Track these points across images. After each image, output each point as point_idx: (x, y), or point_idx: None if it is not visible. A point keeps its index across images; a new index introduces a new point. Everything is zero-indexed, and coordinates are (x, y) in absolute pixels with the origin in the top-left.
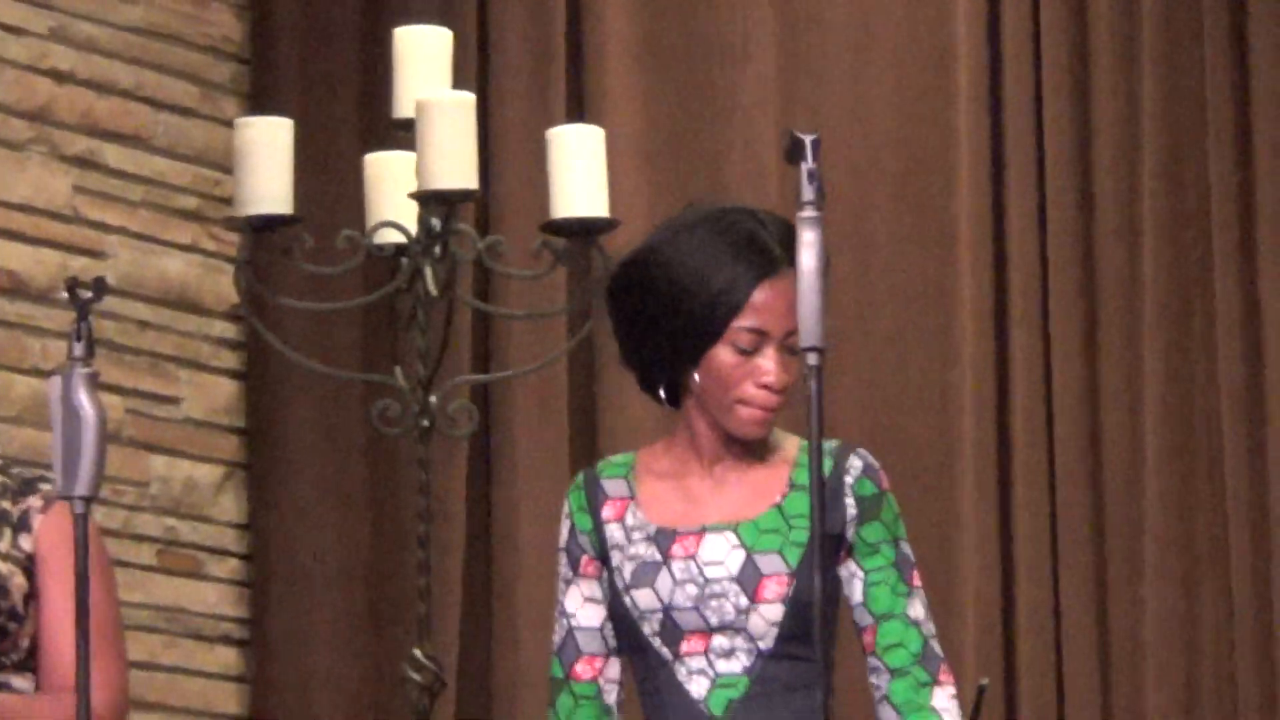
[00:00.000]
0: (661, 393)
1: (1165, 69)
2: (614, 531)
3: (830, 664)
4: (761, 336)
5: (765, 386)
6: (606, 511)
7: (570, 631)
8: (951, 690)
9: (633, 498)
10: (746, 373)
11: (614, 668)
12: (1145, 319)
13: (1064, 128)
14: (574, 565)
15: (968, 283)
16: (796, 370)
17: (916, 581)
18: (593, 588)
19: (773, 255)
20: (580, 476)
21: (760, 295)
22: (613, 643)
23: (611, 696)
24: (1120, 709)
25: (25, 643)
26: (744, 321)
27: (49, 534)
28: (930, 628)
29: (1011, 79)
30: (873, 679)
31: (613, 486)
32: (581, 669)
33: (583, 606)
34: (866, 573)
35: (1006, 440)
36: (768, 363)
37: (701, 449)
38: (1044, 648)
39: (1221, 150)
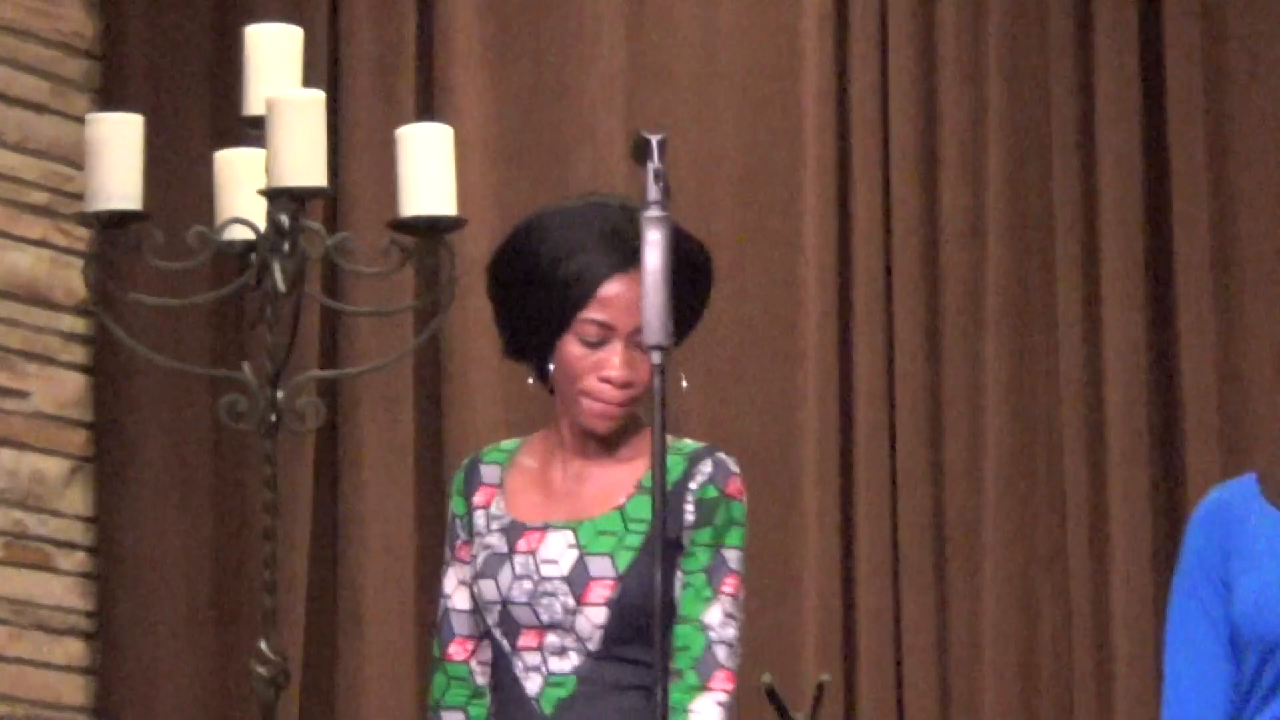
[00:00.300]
0: (531, 381)
1: (1010, 75)
2: (479, 518)
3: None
4: (608, 330)
5: (607, 380)
6: (478, 498)
7: (446, 613)
8: (721, 698)
9: (500, 487)
10: (592, 365)
11: (487, 650)
12: (988, 321)
13: (909, 131)
14: (451, 547)
15: (812, 283)
16: (646, 369)
17: (727, 589)
18: (464, 571)
19: (628, 250)
20: (466, 459)
21: (609, 289)
22: (479, 626)
23: (483, 678)
24: (958, 706)
25: None
26: (590, 314)
27: None
28: (726, 634)
29: (857, 82)
30: None
31: (489, 473)
32: (454, 650)
33: (457, 589)
34: (685, 575)
35: (849, 440)
36: (612, 357)
37: (564, 442)
38: (883, 645)
39: (1065, 156)
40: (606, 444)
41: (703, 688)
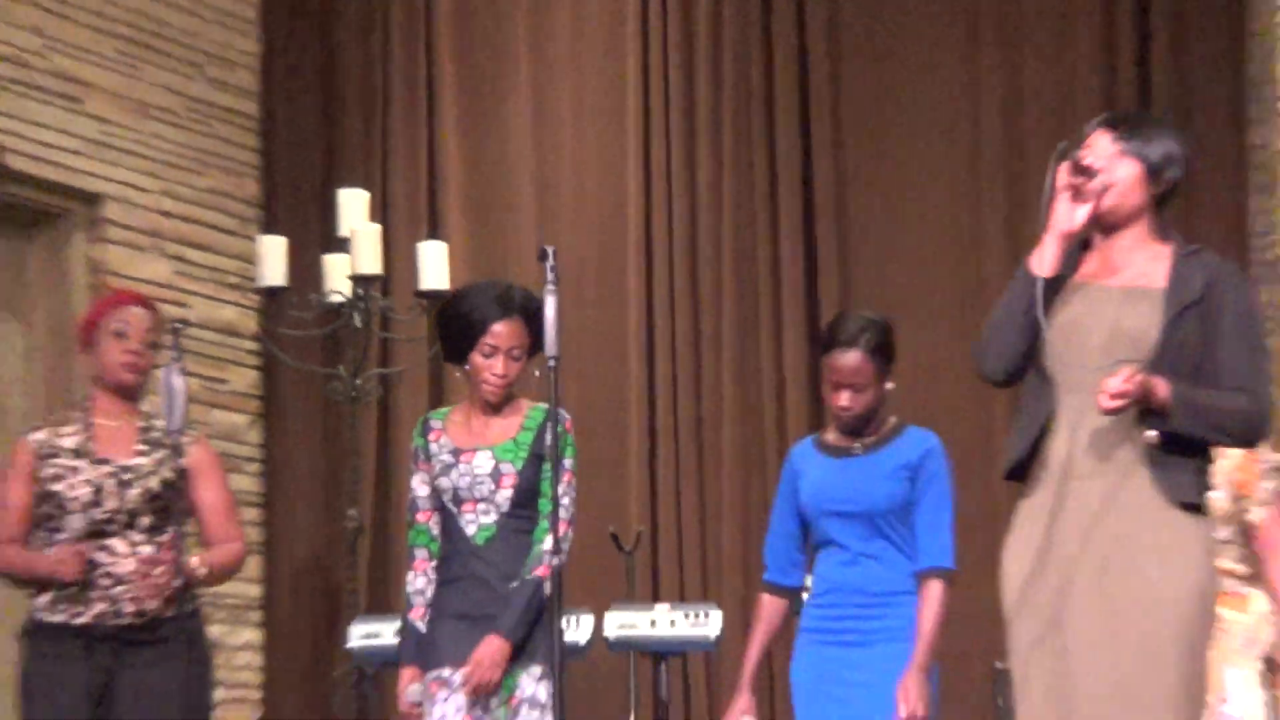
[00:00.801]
0: (458, 374)
1: (738, 164)
2: (433, 447)
3: (546, 517)
4: (494, 349)
5: (495, 375)
6: (430, 437)
7: (415, 498)
8: (560, 533)
9: (443, 430)
10: (486, 367)
11: (437, 519)
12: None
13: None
14: (415, 463)
15: (632, 302)
16: (516, 369)
17: (566, 479)
18: (424, 476)
19: (506, 306)
20: (420, 419)
21: (496, 327)
22: (435, 504)
23: (436, 531)
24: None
25: (180, 513)
26: (486, 340)
27: (198, 456)
28: (564, 502)
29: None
30: None
31: (435, 423)
32: (421, 517)
33: (420, 485)
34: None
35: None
36: (498, 364)
37: (476, 406)
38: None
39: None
40: (497, 408)
41: (546, 535)
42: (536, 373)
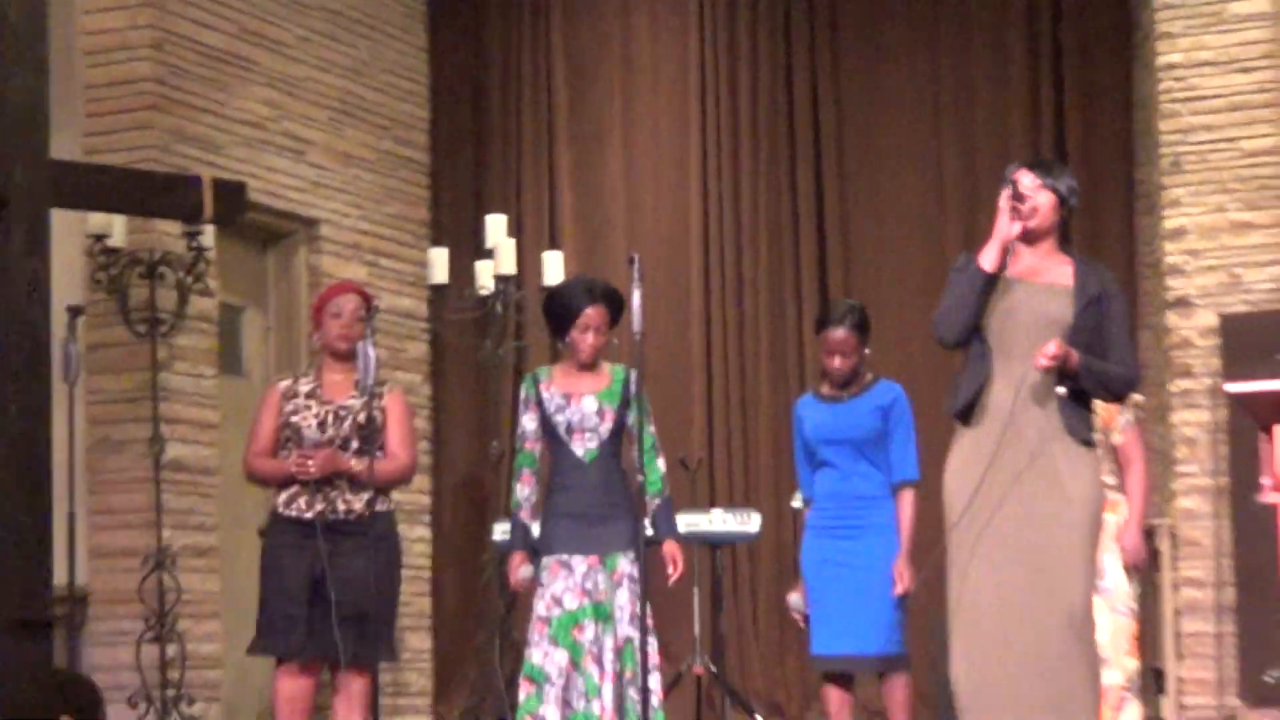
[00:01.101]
0: (561, 344)
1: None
2: (545, 395)
3: (621, 453)
4: (587, 326)
5: (588, 344)
6: (541, 386)
7: (524, 430)
8: (661, 461)
9: (552, 382)
10: (583, 339)
11: (541, 446)
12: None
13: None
14: (526, 405)
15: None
16: (603, 340)
17: (652, 426)
18: (533, 416)
19: (594, 294)
20: (529, 375)
21: (588, 310)
22: (540, 435)
23: (539, 458)
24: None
25: (378, 443)
26: (580, 320)
27: (391, 401)
28: (655, 439)
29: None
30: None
31: (544, 378)
32: (530, 445)
33: (530, 421)
34: (639, 427)
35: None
36: (590, 337)
37: (573, 367)
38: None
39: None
40: (590, 367)
41: (656, 456)
42: (615, 340)
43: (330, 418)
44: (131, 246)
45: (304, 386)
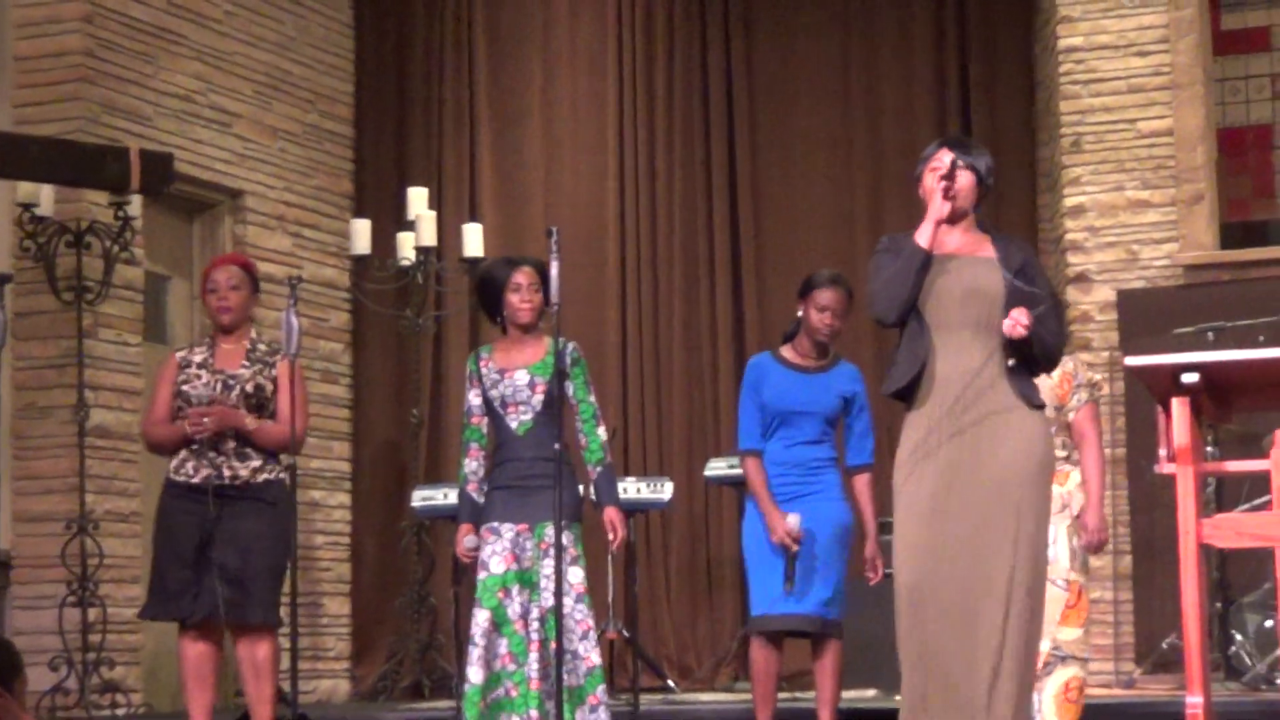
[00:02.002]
0: (496, 324)
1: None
2: (484, 369)
3: (558, 424)
4: (519, 286)
5: (525, 302)
6: (481, 363)
7: (470, 405)
8: (602, 430)
9: (490, 359)
10: (517, 300)
11: (486, 421)
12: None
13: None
14: (469, 382)
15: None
16: (538, 298)
17: (593, 392)
18: (476, 392)
19: (516, 262)
20: (473, 352)
21: (516, 274)
22: (484, 410)
23: (485, 430)
24: None
25: (269, 411)
26: (509, 284)
27: (281, 369)
28: (596, 409)
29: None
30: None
31: (484, 355)
32: (474, 420)
33: (474, 397)
34: (573, 383)
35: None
36: (521, 295)
37: (512, 340)
38: None
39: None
40: (526, 335)
41: (596, 425)
42: (554, 305)
43: (219, 387)
44: (59, 215)
45: (197, 356)
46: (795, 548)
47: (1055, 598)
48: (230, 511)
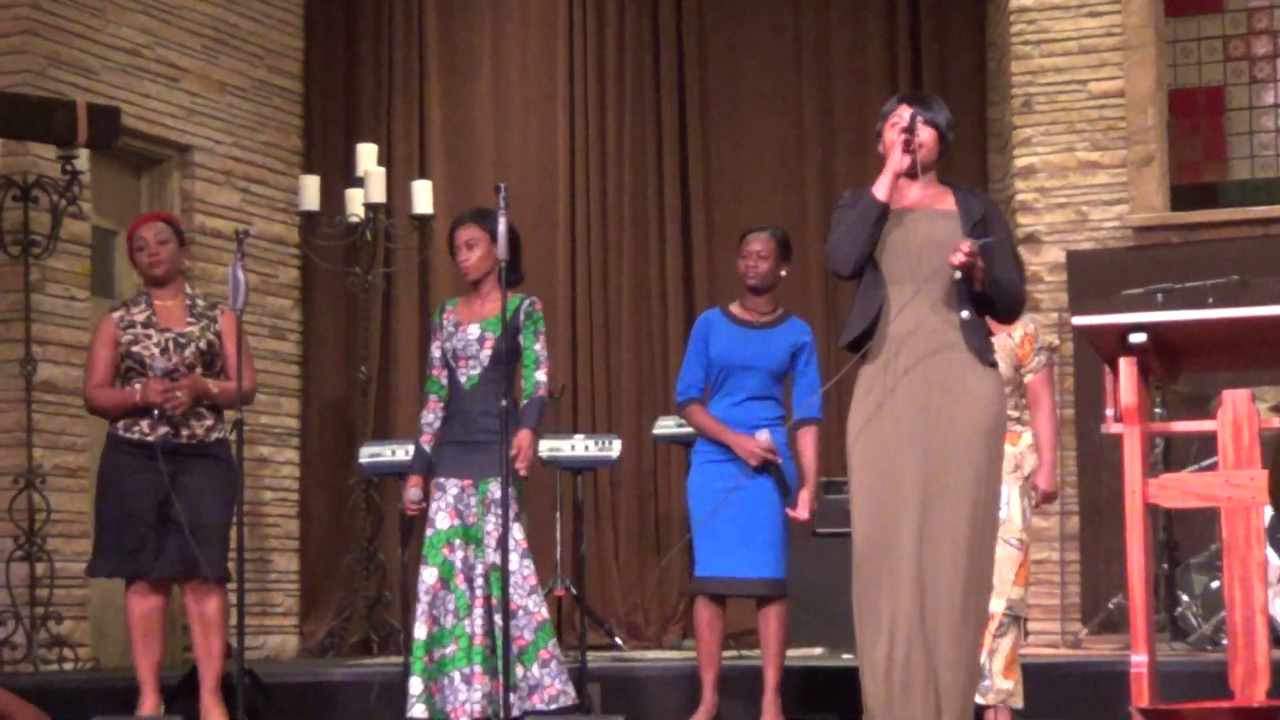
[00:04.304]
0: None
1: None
2: (445, 321)
3: (508, 380)
4: (460, 244)
5: (468, 262)
6: (445, 316)
7: (432, 358)
8: (541, 376)
9: (453, 312)
10: (463, 260)
11: (446, 374)
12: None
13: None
14: (434, 334)
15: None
16: (476, 255)
17: (543, 340)
18: (438, 344)
19: (461, 218)
20: (440, 305)
21: (456, 232)
22: (444, 363)
23: (444, 382)
24: None
25: (219, 366)
26: (452, 243)
27: (225, 324)
28: (543, 356)
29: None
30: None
31: (448, 307)
32: (435, 372)
33: (436, 349)
34: (525, 337)
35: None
36: (463, 253)
37: (472, 292)
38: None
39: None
40: (481, 292)
41: (536, 369)
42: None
43: (170, 345)
44: (6, 169)
45: (138, 315)
46: (779, 459)
47: (1009, 557)
48: (185, 468)
